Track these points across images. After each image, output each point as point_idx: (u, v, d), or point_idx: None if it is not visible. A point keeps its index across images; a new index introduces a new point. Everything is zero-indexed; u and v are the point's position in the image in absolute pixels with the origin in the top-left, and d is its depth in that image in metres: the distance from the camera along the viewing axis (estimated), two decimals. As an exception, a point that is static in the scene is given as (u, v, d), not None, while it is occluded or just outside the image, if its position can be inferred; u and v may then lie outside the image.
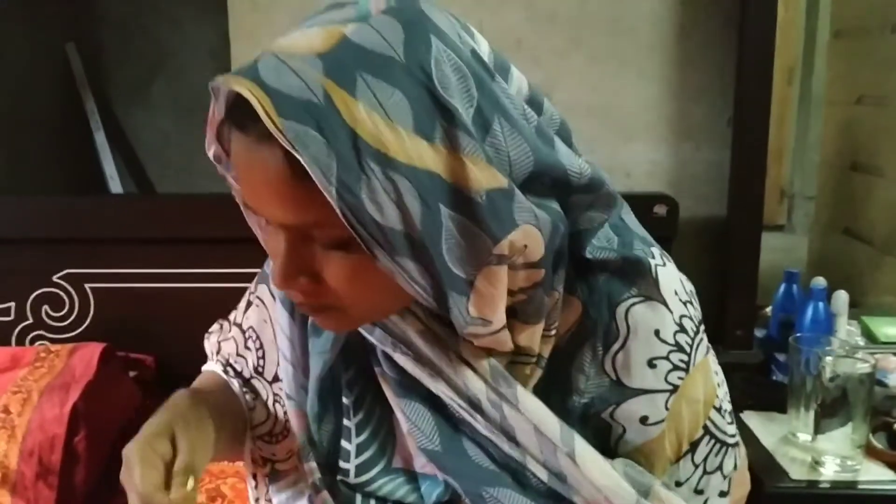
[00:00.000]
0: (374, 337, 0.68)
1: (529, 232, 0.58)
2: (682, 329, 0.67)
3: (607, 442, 0.69)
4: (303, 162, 0.51)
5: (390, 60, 0.54)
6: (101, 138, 2.53)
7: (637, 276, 0.66)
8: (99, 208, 1.61)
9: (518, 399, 0.65)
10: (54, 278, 1.60)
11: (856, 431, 1.19)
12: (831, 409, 1.19)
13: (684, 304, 0.68)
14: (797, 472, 1.22)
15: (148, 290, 1.59)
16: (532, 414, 0.65)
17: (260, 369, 0.84)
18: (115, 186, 2.52)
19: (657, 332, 0.66)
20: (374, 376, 0.71)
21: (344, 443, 0.74)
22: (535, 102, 0.62)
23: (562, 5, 1.62)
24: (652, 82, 1.64)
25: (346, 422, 0.74)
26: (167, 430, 0.67)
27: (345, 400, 0.73)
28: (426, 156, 0.54)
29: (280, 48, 0.55)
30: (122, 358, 1.54)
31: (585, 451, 0.65)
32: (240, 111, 0.55)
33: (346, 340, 0.71)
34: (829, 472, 1.21)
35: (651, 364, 0.66)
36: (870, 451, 1.23)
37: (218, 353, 0.90)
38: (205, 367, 0.93)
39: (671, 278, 0.68)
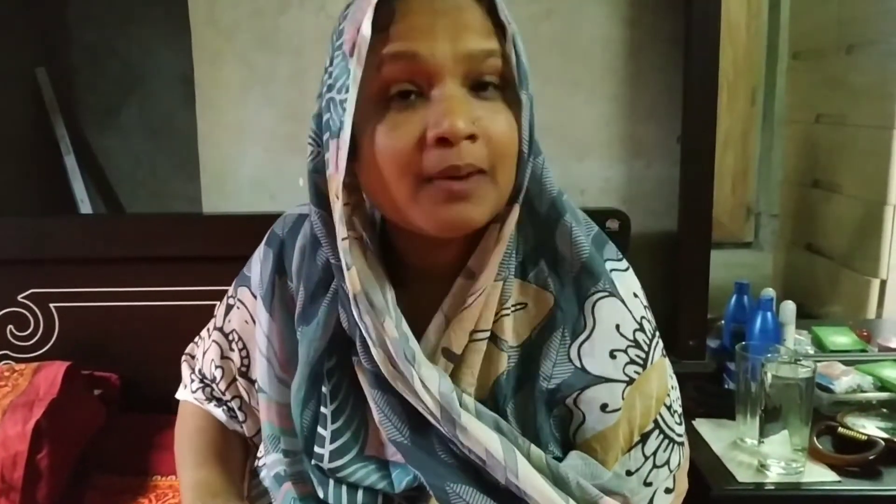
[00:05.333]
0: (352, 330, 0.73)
1: None
2: (642, 328, 0.74)
3: (568, 430, 0.74)
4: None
5: None
6: (71, 162, 2.54)
7: (603, 273, 0.73)
8: (63, 228, 1.62)
9: (465, 426, 0.69)
10: (19, 298, 1.61)
11: (796, 434, 1.23)
12: (773, 414, 1.23)
13: (644, 307, 0.75)
14: (744, 475, 1.25)
15: (112, 308, 1.60)
16: (479, 438, 0.70)
17: (244, 369, 0.88)
18: (86, 209, 2.53)
19: (618, 327, 0.73)
20: (353, 368, 0.75)
21: (320, 429, 0.77)
22: None
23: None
24: (604, 102, 1.69)
25: (322, 409, 0.77)
26: None
27: (323, 388, 0.77)
28: None
29: None
30: (86, 376, 1.55)
31: (528, 473, 0.69)
32: None
33: (333, 332, 0.76)
34: (774, 474, 1.24)
35: (612, 355, 0.72)
36: (814, 454, 1.27)
37: (193, 373, 0.93)
38: (179, 395, 0.96)
39: (632, 281, 0.76)
